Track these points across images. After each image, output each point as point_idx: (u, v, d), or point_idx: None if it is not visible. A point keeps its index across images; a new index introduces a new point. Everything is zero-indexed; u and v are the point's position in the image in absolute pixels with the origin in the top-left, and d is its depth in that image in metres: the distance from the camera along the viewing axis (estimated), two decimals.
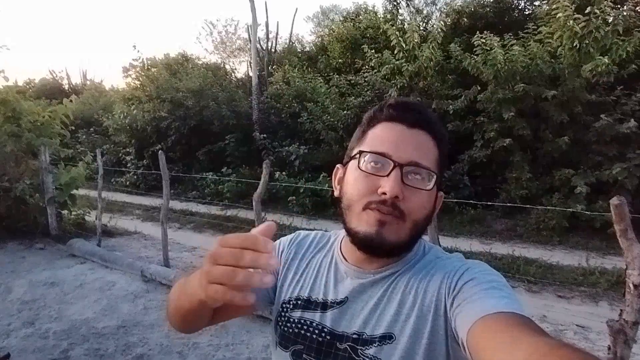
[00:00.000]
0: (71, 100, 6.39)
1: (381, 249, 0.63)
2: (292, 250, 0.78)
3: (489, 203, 6.17)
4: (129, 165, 12.03)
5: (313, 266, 0.75)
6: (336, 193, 0.71)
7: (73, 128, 7.31)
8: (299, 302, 0.72)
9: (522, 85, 6.79)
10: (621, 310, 2.16)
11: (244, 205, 8.32)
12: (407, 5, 12.30)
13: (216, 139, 10.86)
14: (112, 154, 12.73)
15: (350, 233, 0.65)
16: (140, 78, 13.31)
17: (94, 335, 3.13)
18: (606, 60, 6.29)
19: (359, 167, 0.64)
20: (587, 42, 6.66)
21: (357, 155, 0.65)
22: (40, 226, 5.83)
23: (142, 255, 5.28)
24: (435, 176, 0.64)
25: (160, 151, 4.67)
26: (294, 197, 8.55)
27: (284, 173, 9.10)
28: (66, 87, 22.71)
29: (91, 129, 14.22)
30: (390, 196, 0.60)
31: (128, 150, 12.58)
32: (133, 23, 44.59)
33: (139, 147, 12.16)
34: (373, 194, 0.62)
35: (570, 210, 5.81)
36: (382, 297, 0.65)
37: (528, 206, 6.21)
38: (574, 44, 6.71)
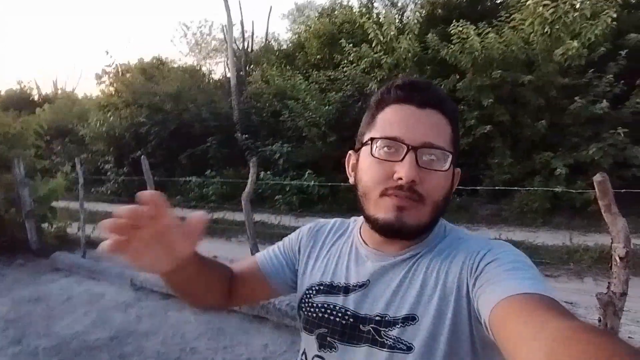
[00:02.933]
0: (44, 110, 6.18)
1: (402, 233, 0.63)
2: (312, 239, 0.79)
3: (474, 188, 6.29)
4: (109, 173, 11.74)
5: (334, 252, 0.76)
6: (351, 180, 0.71)
7: (48, 138, 7.07)
8: (322, 287, 0.72)
9: (499, 71, 6.92)
10: (609, 282, 2.23)
11: (230, 206, 8.23)
12: None
13: (197, 142, 10.70)
14: (91, 163, 12.37)
15: (370, 220, 0.65)
16: (115, 84, 13.00)
17: (85, 348, 3.04)
18: (576, 44, 6.47)
19: (371, 154, 0.63)
20: (558, 27, 6.84)
21: (369, 142, 0.64)
22: (19, 241, 5.62)
23: None
24: (450, 155, 0.62)
25: (142, 156, 4.57)
26: (280, 196, 8.51)
27: (268, 172, 9.04)
28: (36, 97, 21.94)
29: (66, 139, 13.81)
30: (406, 181, 0.59)
31: (107, 158, 12.26)
32: (103, 28, 43.43)
33: (119, 155, 11.88)
34: (389, 180, 0.61)
35: (553, 190, 5.98)
36: (404, 279, 0.65)
37: (515, 188, 6.35)
38: (545, 30, 6.88)
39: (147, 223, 0.51)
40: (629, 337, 2.74)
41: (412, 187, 0.60)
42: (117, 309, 3.71)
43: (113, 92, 13.00)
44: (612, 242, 2.16)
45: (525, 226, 6.28)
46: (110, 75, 13.87)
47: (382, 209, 0.62)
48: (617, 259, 2.13)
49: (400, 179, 0.59)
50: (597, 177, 2.12)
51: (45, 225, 6.05)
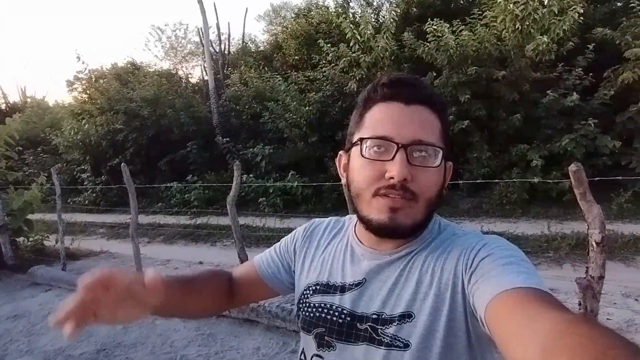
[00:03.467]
0: (14, 119, 5.95)
1: (397, 234, 0.63)
2: (307, 239, 0.80)
3: (455, 182, 6.42)
4: (85, 183, 11.42)
5: (329, 252, 0.76)
6: (343, 181, 0.71)
7: (20, 149, 6.82)
8: (318, 287, 0.73)
9: (474, 68, 7.09)
10: (587, 267, 2.33)
11: (213, 211, 8.15)
12: None
13: (177, 147, 10.53)
14: (66, 173, 12.02)
15: (364, 220, 0.65)
16: (89, 90, 12.63)
17: None
18: (545, 40, 6.71)
19: (362, 154, 0.62)
20: (528, 23, 7.07)
21: (359, 142, 0.63)
22: None
23: None
24: (441, 151, 0.62)
25: (123, 164, 4.47)
26: (264, 198, 8.47)
27: (251, 175, 8.99)
28: (3, 106, 21.07)
29: (39, 149, 13.34)
30: (398, 180, 0.59)
31: (83, 167, 11.93)
32: (73, 34, 42.13)
33: (95, 163, 11.57)
34: (380, 180, 0.61)
35: (530, 181, 6.17)
36: (399, 277, 0.65)
37: (494, 181, 6.54)
38: (516, 26, 7.10)
39: (103, 294, 0.51)
40: (607, 319, 2.86)
41: (404, 186, 0.59)
42: None
43: (87, 99, 12.64)
44: (588, 229, 2.25)
45: (505, 217, 6.46)
46: (83, 81, 13.47)
47: (376, 210, 0.62)
48: (594, 244, 2.22)
49: (392, 178, 0.59)
50: (572, 167, 2.20)
51: (21, 239, 5.84)
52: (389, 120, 0.62)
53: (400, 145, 0.59)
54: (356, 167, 0.64)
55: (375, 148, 0.61)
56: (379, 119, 0.63)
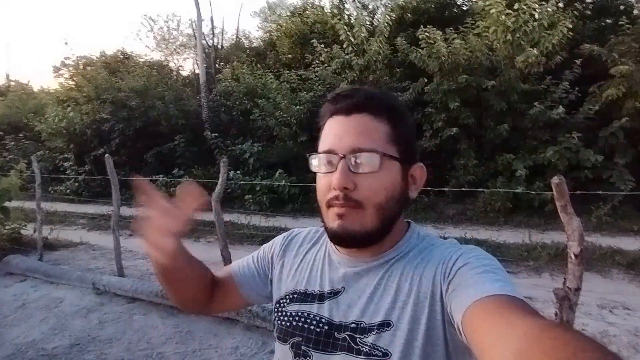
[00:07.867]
0: None
1: (350, 240, 0.64)
2: (286, 248, 0.80)
3: (441, 189, 6.48)
4: (68, 172, 11.17)
5: (307, 260, 0.76)
6: None
7: (1, 133, 6.63)
8: (295, 295, 0.72)
9: (465, 76, 7.18)
10: (564, 278, 2.37)
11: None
12: (353, 0, 12.49)
13: (165, 140, 10.39)
14: (48, 161, 11.74)
15: (326, 230, 0.67)
16: (75, 77, 12.35)
17: (43, 357, 2.88)
18: (535, 52, 6.83)
19: (312, 170, 0.67)
20: (518, 35, 7.19)
21: (309, 158, 0.68)
22: None
23: (92, 267, 4.94)
24: (379, 155, 0.61)
25: (107, 155, 4.39)
26: (250, 196, 8.42)
27: (238, 172, 8.92)
28: None
29: (20, 135, 12.99)
30: (337, 189, 0.61)
31: (66, 156, 11.66)
32: (61, 18, 41.10)
33: (79, 152, 11.33)
34: (330, 191, 0.63)
35: (514, 190, 6.27)
36: (378, 285, 0.65)
37: (479, 189, 6.62)
38: (507, 38, 7.22)
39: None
40: (582, 329, 2.93)
41: (347, 195, 0.61)
42: (77, 314, 3.54)
43: (73, 86, 12.36)
44: (567, 241, 2.30)
45: (488, 225, 6.55)
46: (70, 67, 13.18)
47: (330, 219, 0.64)
48: (572, 256, 2.26)
49: (334, 188, 0.62)
50: (554, 180, 2.24)
51: None
52: (331, 134, 0.65)
53: (341, 156, 0.62)
54: (317, 181, 0.68)
55: (324, 162, 0.65)
56: (326, 134, 0.66)
